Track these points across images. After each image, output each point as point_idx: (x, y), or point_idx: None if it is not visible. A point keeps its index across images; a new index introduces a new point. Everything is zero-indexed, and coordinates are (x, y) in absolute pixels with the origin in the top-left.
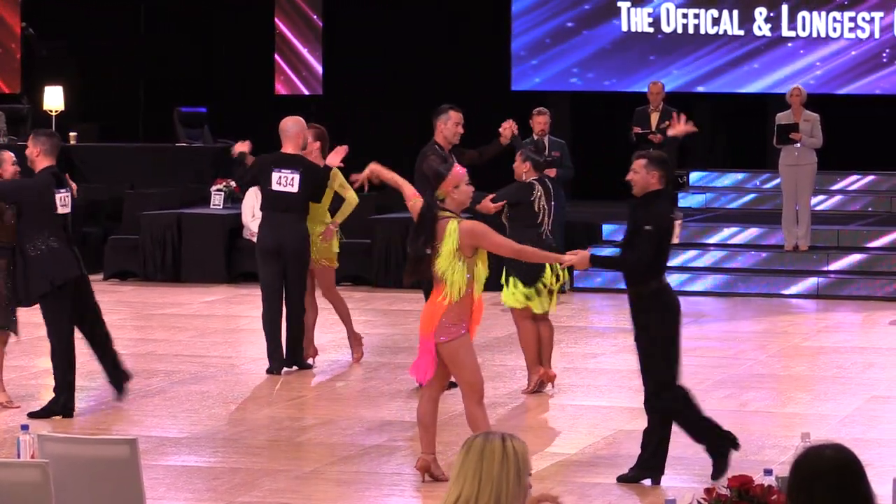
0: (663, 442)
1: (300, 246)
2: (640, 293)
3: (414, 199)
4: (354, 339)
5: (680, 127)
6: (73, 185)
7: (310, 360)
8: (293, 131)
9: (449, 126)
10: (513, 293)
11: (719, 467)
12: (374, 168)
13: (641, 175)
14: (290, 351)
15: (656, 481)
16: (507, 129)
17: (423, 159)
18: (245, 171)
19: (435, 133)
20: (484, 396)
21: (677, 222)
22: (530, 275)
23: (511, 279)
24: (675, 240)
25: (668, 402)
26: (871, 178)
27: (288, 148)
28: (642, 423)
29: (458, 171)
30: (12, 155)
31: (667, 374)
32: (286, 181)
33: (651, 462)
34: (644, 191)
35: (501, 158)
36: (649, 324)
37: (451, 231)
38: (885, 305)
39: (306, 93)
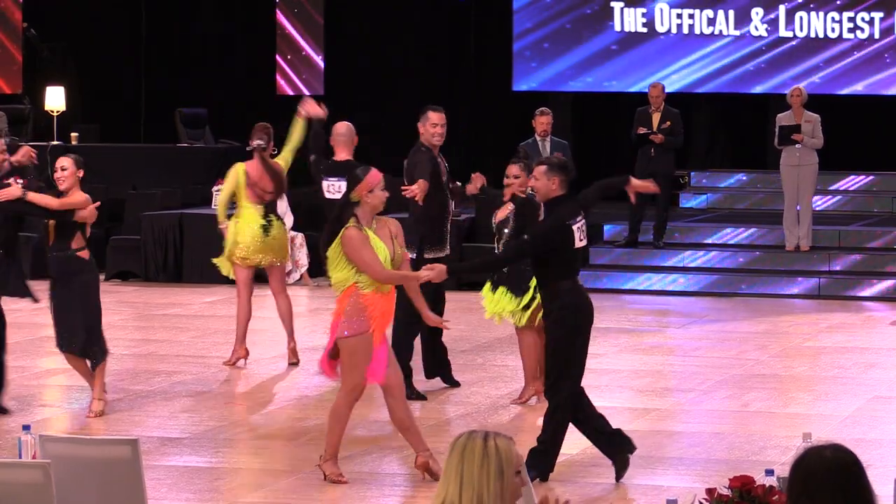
0: (596, 418)
1: None
2: (549, 294)
3: None
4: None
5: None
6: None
7: (241, 361)
8: (346, 137)
9: (427, 127)
10: (496, 304)
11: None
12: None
13: (542, 182)
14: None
15: (631, 449)
16: (478, 182)
17: (413, 163)
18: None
19: (420, 136)
20: (358, 401)
21: (576, 226)
22: (520, 287)
23: (499, 290)
24: (579, 242)
25: (561, 397)
26: (871, 178)
27: (341, 154)
28: (645, 422)
29: (375, 175)
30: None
31: (560, 373)
32: (334, 189)
33: (611, 445)
34: (546, 197)
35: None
36: (551, 323)
37: (338, 238)
38: (887, 306)
39: (307, 93)
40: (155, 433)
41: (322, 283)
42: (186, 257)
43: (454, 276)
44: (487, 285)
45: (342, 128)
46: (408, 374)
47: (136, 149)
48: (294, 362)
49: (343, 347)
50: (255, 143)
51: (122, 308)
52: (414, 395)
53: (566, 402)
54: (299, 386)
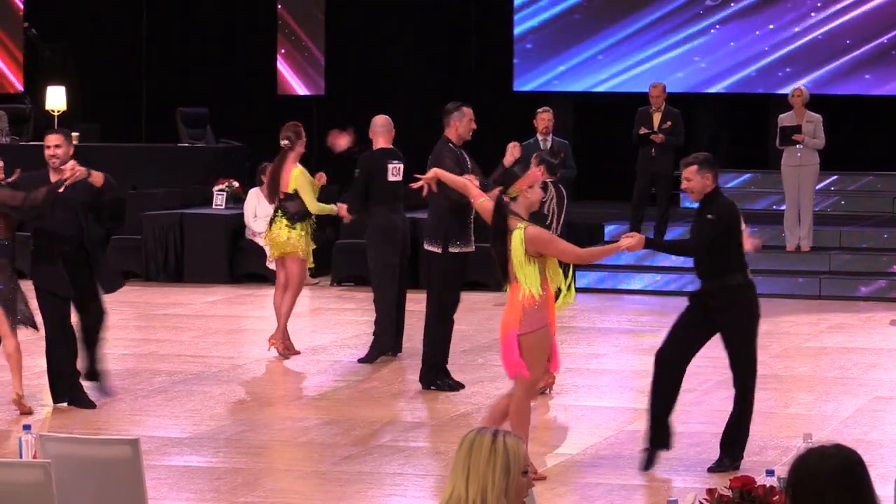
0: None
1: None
2: (723, 286)
3: (481, 200)
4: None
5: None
6: None
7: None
8: (385, 128)
9: (464, 123)
10: None
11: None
12: (438, 172)
13: (697, 181)
14: (397, 339)
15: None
16: (515, 151)
17: (437, 159)
18: (354, 190)
19: (447, 130)
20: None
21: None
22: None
23: None
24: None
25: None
26: (871, 178)
27: (382, 143)
28: (644, 423)
29: (534, 171)
30: None
31: (754, 363)
32: (397, 171)
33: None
34: (702, 195)
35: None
36: (735, 318)
37: (518, 239)
38: (887, 306)
39: (308, 93)
40: (155, 433)
41: (323, 283)
42: (187, 257)
43: (648, 247)
44: None
45: (382, 120)
46: (441, 366)
47: (137, 148)
48: (282, 354)
49: (524, 344)
50: (283, 142)
51: (122, 308)
52: (446, 385)
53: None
54: (300, 386)
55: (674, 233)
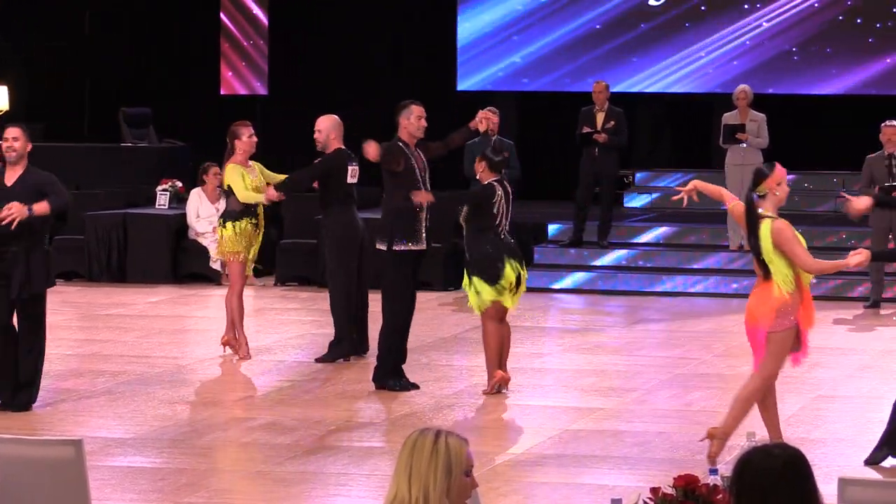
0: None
1: (366, 234)
2: None
3: (733, 203)
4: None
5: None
6: None
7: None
8: (339, 129)
9: (412, 120)
10: (476, 294)
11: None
12: (697, 184)
13: None
14: (360, 338)
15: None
16: (484, 120)
17: (384, 158)
18: (309, 171)
19: (399, 130)
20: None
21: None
22: (491, 275)
23: (474, 280)
24: None
25: None
26: (814, 177)
27: (338, 144)
28: (589, 422)
29: (782, 169)
30: None
31: None
32: (355, 174)
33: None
34: None
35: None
36: None
37: (766, 230)
38: (829, 305)
39: (252, 93)
40: (99, 433)
41: (267, 283)
42: (130, 257)
43: (874, 260)
44: (466, 279)
45: (335, 120)
46: (394, 367)
47: (80, 148)
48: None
49: (771, 341)
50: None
51: (65, 308)
52: (398, 385)
53: None
54: (244, 386)
55: (614, 232)
